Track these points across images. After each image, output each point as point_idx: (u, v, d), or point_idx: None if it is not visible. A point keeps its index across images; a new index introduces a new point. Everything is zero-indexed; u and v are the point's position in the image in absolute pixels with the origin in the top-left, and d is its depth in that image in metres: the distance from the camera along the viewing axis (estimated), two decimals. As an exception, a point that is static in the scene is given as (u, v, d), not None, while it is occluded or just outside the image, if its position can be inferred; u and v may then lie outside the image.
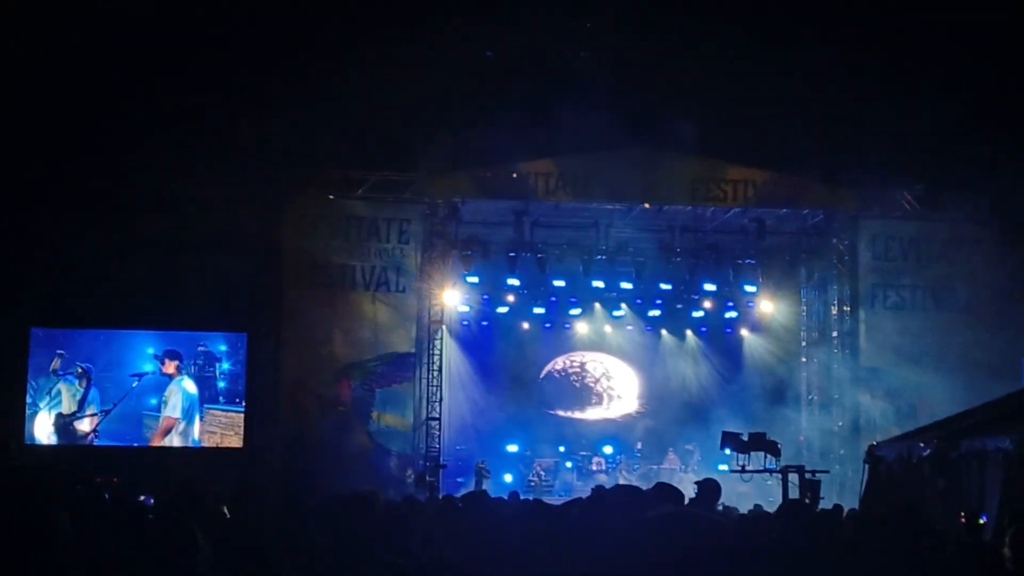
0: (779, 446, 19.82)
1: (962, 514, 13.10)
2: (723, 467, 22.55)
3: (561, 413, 31.21)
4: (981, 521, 12.78)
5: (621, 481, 28.43)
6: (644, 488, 7.50)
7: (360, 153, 26.41)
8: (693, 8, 26.57)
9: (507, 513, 8.71)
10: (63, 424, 25.76)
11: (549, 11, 26.80)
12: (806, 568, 6.42)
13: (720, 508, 14.93)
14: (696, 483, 10.02)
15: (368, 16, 25.70)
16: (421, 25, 25.48)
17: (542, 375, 31.26)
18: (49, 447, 25.13)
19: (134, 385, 26.02)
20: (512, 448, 28.99)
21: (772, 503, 18.70)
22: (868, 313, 27.71)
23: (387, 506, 8.23)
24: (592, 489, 16.53)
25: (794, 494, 18.54)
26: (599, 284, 28.70)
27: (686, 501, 8.40)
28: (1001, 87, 26.15)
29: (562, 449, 29.80)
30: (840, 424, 27.50)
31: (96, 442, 25.59)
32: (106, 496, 9.47)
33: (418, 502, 9.93)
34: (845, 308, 27.91)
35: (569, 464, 29.37)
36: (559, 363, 31.64)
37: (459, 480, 26.79)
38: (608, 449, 29.90)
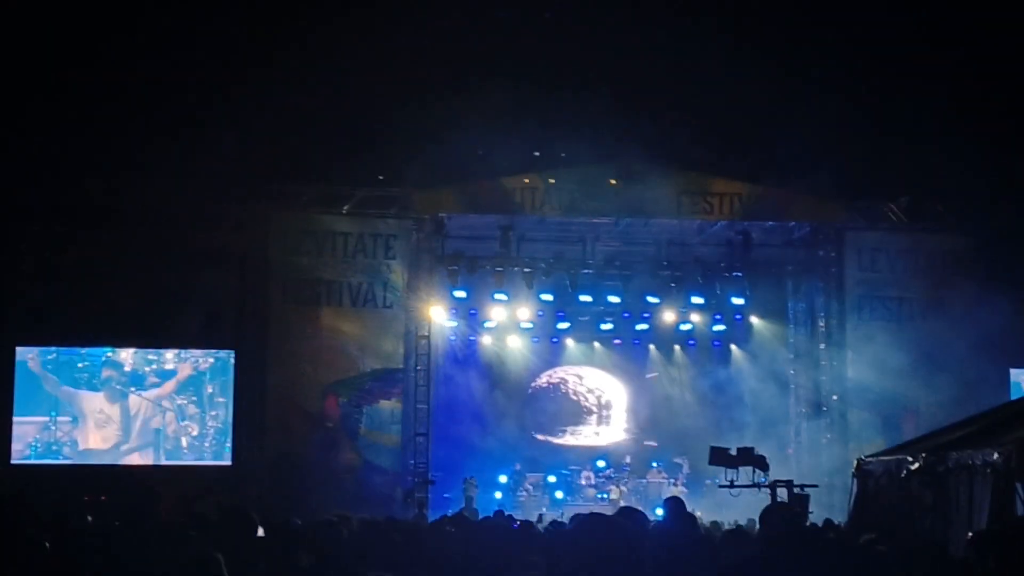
0: (767, 460, 19.81)
1: (970, 534, 13.05)
2: (718, 482, 22.54)
3: (551, 440, 31.12)
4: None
5: (613, 495, 28.41)
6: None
7: (345, 169, 26.40)
8: (679, 21, 26.58)
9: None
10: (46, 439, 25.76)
11: (535, 26, 26.85)
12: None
13: (705, 524, 14.92)
14: (665, 500, 10.03)
15: (353, 32, 25.67)
16: (405, 41, 25.48)
17: (530, 390, 31.21)
18: (34, 467, 24.97)
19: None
20: (502, 479, 28.88)
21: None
22: (855, 325, 27.68)
23: (364, 526, 8.21)
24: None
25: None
26: (586, 298, 28.66)
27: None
28: (987, 99, 26.22)
29: (564, 471, 29.71)
30: (828, 437, 27.45)
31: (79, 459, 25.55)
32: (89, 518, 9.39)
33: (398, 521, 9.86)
34: (832, 320, 27.88)
35: (555, 479, 29.27)
36: (547, 378, 31.59)
37: (446, 496, 26.75)
38: (601, 463, 29.85)
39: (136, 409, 26.23)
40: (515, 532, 11.32)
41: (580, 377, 31.85)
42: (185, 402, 26.35)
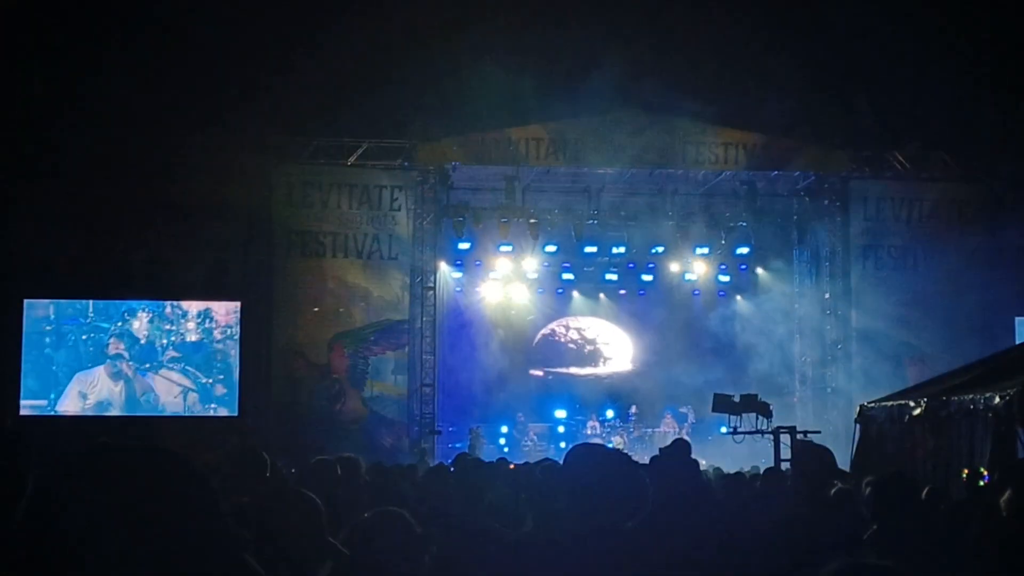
0: (770, 407, 19.88)
1: (964, 472, 13.14)
2: (724, 429, 22.64)
3: (555, 370, 31.28)
4: (983, 482, 12.80)
5: (616, 443, 28.51)
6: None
7: (351, 120, 26.38)
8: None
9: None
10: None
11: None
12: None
13: (707, 470, 15.00)
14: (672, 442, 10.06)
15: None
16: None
17: (536, 340, 31.30)
18: (43, 417, 25.05)
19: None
20: (504, 428, 29.02)
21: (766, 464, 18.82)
22: (860, 274, 27.72)
23: (374, 471, 8.27)
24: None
25: (786, 455, 18.59)
26: (591, 249, 28.71)
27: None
28: (992, 47, 26.11)
29: (562, 414, 29.83)
30: (833, 386, 27.57)
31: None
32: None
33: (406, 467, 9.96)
34: (837, 269, 27.92)
35: (562, 428, 29.41)
36: (553, 328, 31.67)
37: (455, 446, 26.86)
38: (610, 413, 29.95)
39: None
40: (511, 471, 11.48)
41: (585, 328, 31.95)
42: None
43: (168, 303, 25.84)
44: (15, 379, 25.29)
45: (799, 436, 19.04)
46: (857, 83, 26.70)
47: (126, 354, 25.64)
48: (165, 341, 25.86)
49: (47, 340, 25.54)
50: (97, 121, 24.93)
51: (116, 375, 25.56)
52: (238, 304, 26.13)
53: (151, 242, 25.44)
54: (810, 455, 9.52)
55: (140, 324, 25.79)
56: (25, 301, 25.61)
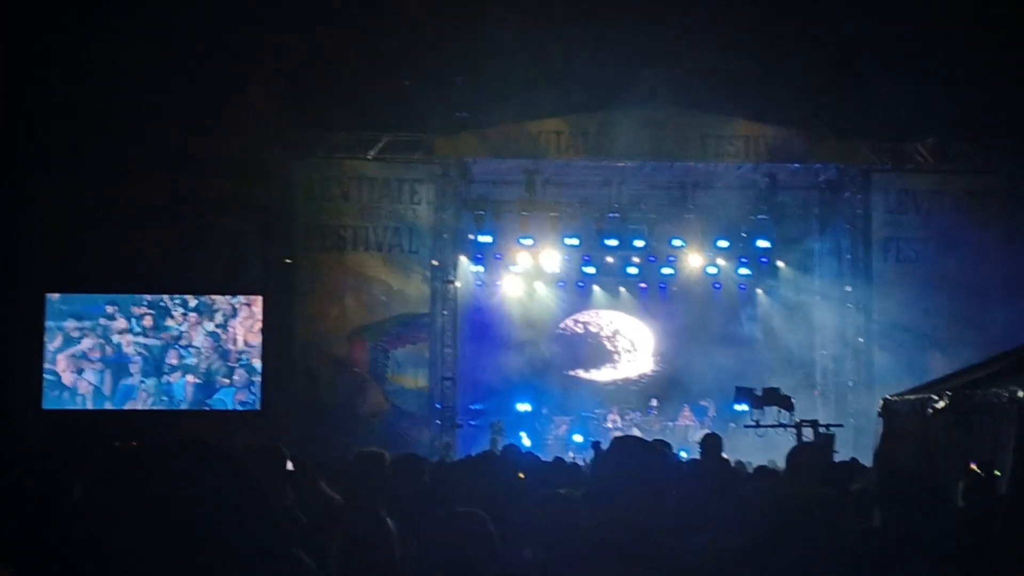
0: (792, 400, 19.84)
1: (973, 466, 13.09)
2: (745, 423, 22.59)
3: (575, 373, 31.20)
4: (996, 472, 12.76)
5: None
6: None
7: (371, 114, 26.39)
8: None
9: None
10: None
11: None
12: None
13: (732, 463, 14.97)
14: (699, 441, 10.09)
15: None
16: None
17: (556, 333, 31.24)
18: (65, 412, 25.13)
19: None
20: (524, 407, 28.97)
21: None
22: (881, 267, 27.64)
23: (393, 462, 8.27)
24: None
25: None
26: (612, 242, 28.68)
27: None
28: (1015, 36, 25.97)
29: (591, 415, 29.78)
30: (854, 379, 27.48)
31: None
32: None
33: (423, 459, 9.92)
34: (858, 262, 27.82)
35: (582, 422, 29.33)
36: (573, 321, 31.62)
37: (477, 440, 26.85)
38: (628, 407, 29.89)
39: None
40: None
41: (607, 321, 31.87)
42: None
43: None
44: (38, 373, 25.37)
45: (821, 430, 19.01)
46: (879, 74, 26.56)
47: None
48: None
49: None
50: (117, 115, 25.00)
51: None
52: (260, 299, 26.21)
53: (172, 236, 25.49)
54: (803, 456, 9.49)
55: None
56: (47, 295, 25.66)
